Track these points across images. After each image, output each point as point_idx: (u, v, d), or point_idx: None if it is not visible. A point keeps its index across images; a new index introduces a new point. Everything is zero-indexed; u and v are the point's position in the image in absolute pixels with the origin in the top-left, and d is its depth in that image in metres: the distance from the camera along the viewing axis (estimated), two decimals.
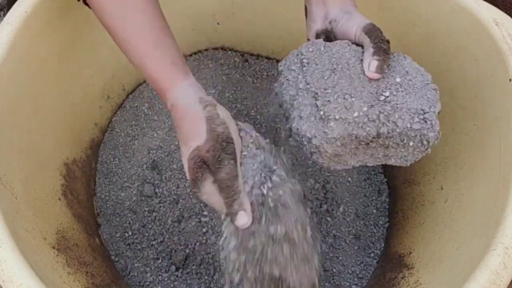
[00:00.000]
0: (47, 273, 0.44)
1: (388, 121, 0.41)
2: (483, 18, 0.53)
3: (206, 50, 0.89)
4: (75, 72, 0.66)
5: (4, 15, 0.66)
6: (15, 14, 0.52)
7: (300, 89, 0.45)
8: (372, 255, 0.70)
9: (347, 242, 0.71)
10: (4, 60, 0.49)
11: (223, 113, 0.44)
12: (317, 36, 0.50)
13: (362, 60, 0.45)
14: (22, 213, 0.47)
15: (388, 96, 0.42)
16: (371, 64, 0.43)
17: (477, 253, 0.44)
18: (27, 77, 0.54)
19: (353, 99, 0.42)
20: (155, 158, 0.76)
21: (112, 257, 0.68)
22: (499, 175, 0.48)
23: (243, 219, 0.41)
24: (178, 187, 0.73)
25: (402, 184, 0.72)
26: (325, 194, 0.74)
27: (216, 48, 0.89)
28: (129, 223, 0.71)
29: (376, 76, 0.43)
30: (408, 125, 0.41)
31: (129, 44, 0.47)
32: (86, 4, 0.51)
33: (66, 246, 0.54)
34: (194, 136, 0.42)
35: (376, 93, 0.43)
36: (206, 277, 0.67)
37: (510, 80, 0.49)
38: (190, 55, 0.88)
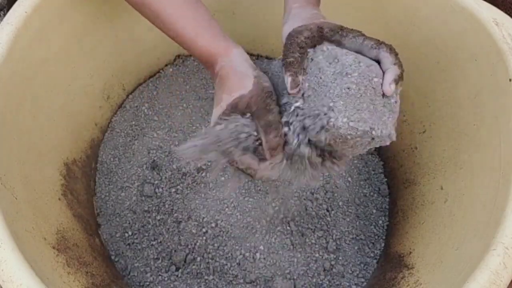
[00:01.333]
0: (47, 273, 0.44)
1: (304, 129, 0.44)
2: (483, 18, 0.53)
3: None
4: (75, 72, 0.66)
5: (4, 15, 0.66)
6: (15, 14, 0.52)
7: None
8: (372, 255, 0.70)
9: (347, 242, 0.71)
10: (4, 60, 0.49)
11: (267, 77, 0.48)
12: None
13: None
14: (22, 213, 0.47)
15: (303, 105, 0.44)
16: (287, 83, 0.44)
17: (477, 253, 0.44)
18: (27, 77, 0.54)
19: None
20: (155, 158, 0.76)
21: (112, 257, 0.68)
22: (499, 175, 0.48)
23: (277, 159, 0.46)
24: (178, 187, 0.73)
25: (402, 184, 0.72)
26: (325, 194, 0.74)
27: None
28: (129, 223, 0.71)
29: (293, 92, 0.44)
30: (317, 130, 0.42)
31: (182, 17, 0.50)
32: None
33: (66, 246, 0.54)
34: (239, 88, 0.46)
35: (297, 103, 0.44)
36: (206, 277, 0.67)
37: (510, 80, 0.49)
38: (190, 55, 0.88)
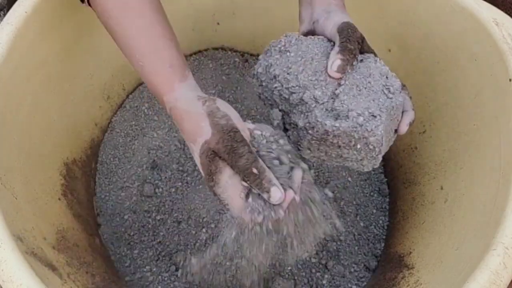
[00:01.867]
0: (47, 273, 0.44)
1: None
2: (483, 18, 0.53)
3: (206, 50, 0.89)
4: (75, 72, 0.66)
5: (4, 15, 0.66)
6: (15, 14, 0.52)
7: (269, 72, 0.47)
8: (372, 255, 0.70)
9: (347, 242, 0.71)
10: (4, 60, 0.49)
11: (223, 106, 0.44)
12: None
13: (328, 53, 0.45)
14: (22, 213, 0.47)
15: (338, 95, 0.43)
16: (334, 63, 0.43)
17: (477, 253, 0.44)
18: (27, 77, 0.54)
19: (307, 92, 0.43)
20: (155, 158, 0.76)
21: (112, 257, 0.68)
22: (499, 175, 0.48)
23: (277, 193, 0.40)
24: (178, 187, 0.73)
25: (402, 184, 0.72)
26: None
27: (216, 48, 0.89)
28: (129, 223, 0.71)
29: (336, 75, 0.43)
30: (350, 126, 0.42)
31: (128, 48, 0.47)
32: (90, 5, 0.51)
33: (66, 246, 0.54)
34: (200, 133, 0.42)
35: (331, 91, 0.43)
36: (206, 277, 0.67)
37: (510, 80, 0.49)
38: (190, 55, 0.88)
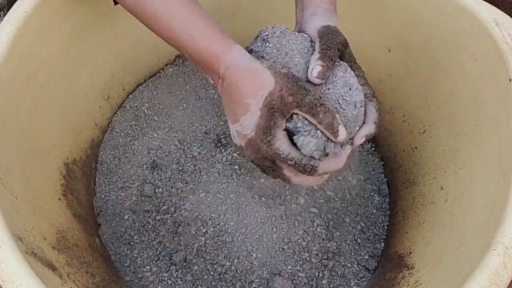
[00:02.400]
0: (47, 273, 0.44)
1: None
2: (483, 18, 0.53)
3: None
4: (75, 72, 0.66)
5: (4, 15, 0.66)
6: (15, 14, 0.52)
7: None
8: (372, 255, 0.70)
9: (348, 242, 0.71)
10: (4, 60, 0.49)
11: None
12: None
13: (305, 55, 0.46)
14: (22, 213, 0.47)
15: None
16: (314, 69, 0.43)
17: (477, 253, 0.44)
18: (27, 77, 0.54)
19: None
20: (155, 158, 0.76)
21: (112, 257, 0.68)
22: (499, 175, 0.48)
23: (343, 133, 0.43)
24: (178, 187, 0.73)
25: (402, 184, 0.72)
26: (325, 194, 0.74)
27: None
28: (129, 223, 0.71)
29: (317, 81, 0.44)
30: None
31: (177, 17, 0.46)
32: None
33: (66, 246, 0.54)
34: (262, 85, 0.42)
35: None
36: (206, 277, 0.67)
37: (510, 80, 0.49)
38: None
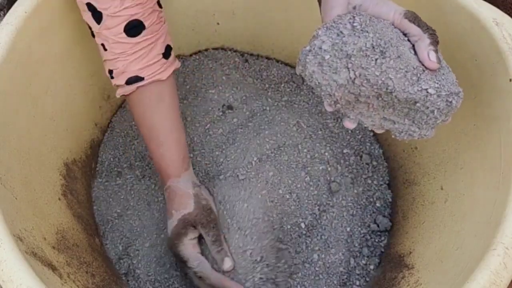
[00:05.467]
0: (47, 273, 0.44)
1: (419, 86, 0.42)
2: (483, 18, 0.53)
3: (206, 50, 0.89)
4: (75, 72, 0.66)
5: (4, 15, 0.66)
6: (15, 14, 0.52)
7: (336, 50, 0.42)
8: (372, 255, 0.70)
9: (348, 242, 0.70)
10: (4, 60, 0.49)
11: (206, 193, 0.64)
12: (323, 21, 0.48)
13: (404, 42, 0.44)
14: (22, 213, 0.47)
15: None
16: (430, 54, 0.43)
17: (477, 253, 0.44)
18: (27, 77, 0.54)
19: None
20: None
21: (112, 257, 0.68)
22: (499, 175, 0.48)
23: (228, 263, 0.59)
24: None
25: (402, 184, 0.72)
26: (325, 194, 0.73)
27: (216, 48, 0.89)
28: (129, 223, 0.71)
29: (436, 65, 0.43)
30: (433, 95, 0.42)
31: (152, 131, 0.61)
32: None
33: (66, 246, 0.54)
34: (184, 207, 0.61)
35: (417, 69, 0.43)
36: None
37: (510, 80, 0.49)
38: (190, 55, 0.88)
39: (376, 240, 0.70)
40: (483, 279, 0.40)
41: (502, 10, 0.55)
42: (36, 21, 0.54)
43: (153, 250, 0.68)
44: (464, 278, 0.42)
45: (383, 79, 0.42)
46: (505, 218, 0.43)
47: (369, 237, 0.71)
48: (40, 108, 0.58)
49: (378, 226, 0.71)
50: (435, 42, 0.43)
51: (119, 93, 0.60)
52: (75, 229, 0.60)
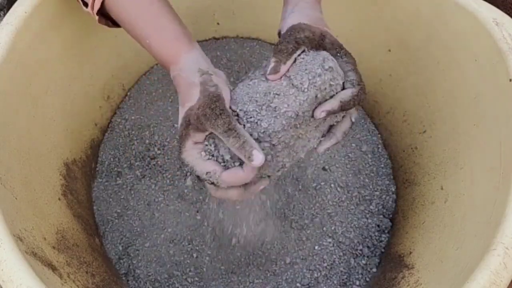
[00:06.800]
0: (47, 273, 0.44)
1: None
2: (483, 18, 0.53)
3: (206, 48, 0.89)
4: (75, 72, 0.66)
5: (4, 15, 0.66)
6: (15, 14, 0.52)
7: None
8: (372, 255, 0.70)
9: (348, 242, 0.71)
10: (4, 60, 0.49)
11: (217, 79, 0.47)
12: (279, 36, 0.50)
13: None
14: (22, 213, 0.47)
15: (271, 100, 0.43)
16: (268, 66, 0.44)
17: (477, 253, 0.44)
18: (27, 77, 0.54)
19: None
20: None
21: (112, 257, 0.68)
22: (499, 175, 0.48)
23: (258, 157, 0.41)
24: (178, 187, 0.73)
25: (402, 184, 0.72)
26: (325, 194, 0.74)
27: (216, 48, 0.89)
28: (129, 223, 0.71)
29: (271, 77, 0.44)
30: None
31: (135, 28, 0.50)
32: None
33: (66, 246, 0.54)
34: (189, 99, 0.46)
35: (265, 94, 0.44)
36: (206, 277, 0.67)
37: (510, 80, 0.49)
38: None
39: (376, 240, 0.70)
40: (483, 279, 0.40)
41: (502, 10, 0.55)
42: (36, 21, 0.54)
43: (153, 250, 0.68)
44: (464, 278, 0.42)
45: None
46: (505, 218, 0.43)
47: (369, 237, 0.71)
48: (40, 108, 0.58)
49: (378, 226, 0.71)
50: (277, 52, 0.45)
51: (96, 7, 0.52)
52: (75, 229, 0.60)
